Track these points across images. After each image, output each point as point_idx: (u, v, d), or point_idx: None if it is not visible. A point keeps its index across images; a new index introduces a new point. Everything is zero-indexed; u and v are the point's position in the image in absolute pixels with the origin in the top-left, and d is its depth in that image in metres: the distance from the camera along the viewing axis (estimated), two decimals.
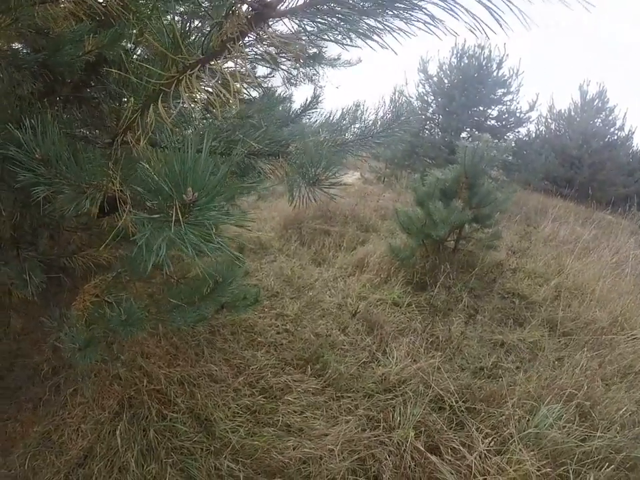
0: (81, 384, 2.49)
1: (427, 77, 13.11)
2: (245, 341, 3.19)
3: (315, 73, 4.48)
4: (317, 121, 1.46)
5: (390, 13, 0.64)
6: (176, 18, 1.51)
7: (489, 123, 12.68)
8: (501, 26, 0.60)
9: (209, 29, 0.69)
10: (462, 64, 12.52)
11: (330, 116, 1.46)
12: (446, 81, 12.78)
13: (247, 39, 0.67)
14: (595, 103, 15.30)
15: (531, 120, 12.84)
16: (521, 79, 12.40)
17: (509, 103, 12.58)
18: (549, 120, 16.83)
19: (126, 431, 2.27)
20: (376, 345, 3.37)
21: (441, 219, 4.36)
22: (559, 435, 2.46)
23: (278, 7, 0.63)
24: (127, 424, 2.30)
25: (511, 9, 0.57)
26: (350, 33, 0.67)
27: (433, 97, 13.21)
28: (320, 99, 2.62)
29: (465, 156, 4.51)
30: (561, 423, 2.54)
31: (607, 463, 2.30)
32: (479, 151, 4.48)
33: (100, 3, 1.34)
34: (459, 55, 12.62)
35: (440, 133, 12.81)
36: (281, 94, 2.38)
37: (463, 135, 12.59)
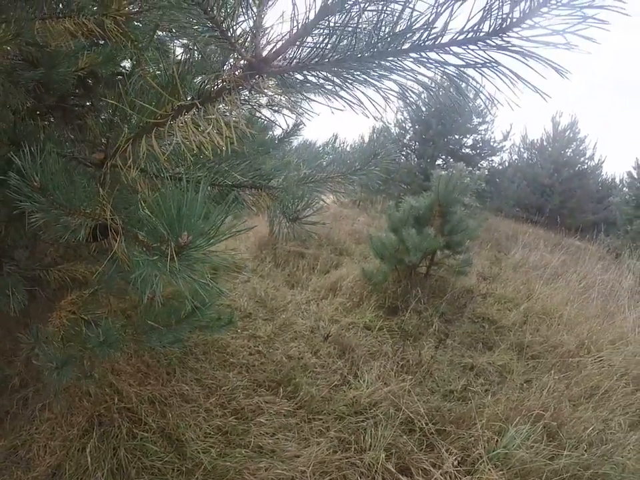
0: (51, 399, 2.44)
1: (406, 104, 13.40)
2: (217, 362, 3.18)
3: (297, 100, 4.57)
4: (297, 151, 1.53)
5: (374, 74, 0.71)
6: (179, 50, 1.57)
7: (463, 151, 13.05)
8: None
9: (207, 75, 0.75)
10: (440, 92, 12.87)
11: (310, 146, 1.53)
12: (424, 108, 13.14)
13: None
14: (567, 134, 15.96)
15: (504, 149, 13.29)
16: (496, 110, 12.86)
17: (483, 132, 13.01)
18: (522, 149, 17.46)
19: (96, 449, 2.23)
20: (347, 367, 3.40)
21: (414, 245, 4.45)
22: (527, 454, 2.53)
23: (273, 62, 0.70)
24: (97, 442, 2.26)
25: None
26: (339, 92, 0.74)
27: (410, 124, 13.53)
28: (301, 126, 2.70)
29: (439, 184, 4.64)
30: (529, 442, 2.62)
31: None
32: (453, 180, 4.61)
33: (100, 27, 1.38)
34: (437, 85, 12.99)
35: (416, 160, 13.11)
36: (264, 122, 2.45)
37: (438, 162, 12.91)
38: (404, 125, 13.63)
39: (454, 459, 2.52)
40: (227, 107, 0.73)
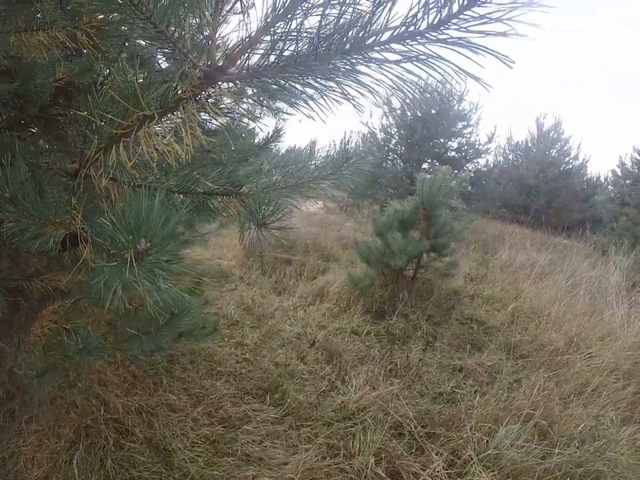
0: (37, 411, 2.42)
1: (391, 109, 13.54)
2: (204, 370, 3.17)
3: (278, 107, 4.60)
4: (275, 157, 1.55)
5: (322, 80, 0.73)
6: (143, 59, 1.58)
7: (449, 154, 13.17)
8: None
9: (166, 85, 0.77)
10: (424, 97, 13.02)
11: (291, 152, 1.55)
12: (409, 113, 13.25)
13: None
14: (551, 135, 16.18)
15: (489, 151, 13.41)
16: (480, 113, 13.02)
17: (468, 135, 13.14)
18: (507, 151, 17.66)
19: (82, 461, 2.22)
20: (335, 373, 3.40)
21: (399, 249, 4.48)
22: (518, 454, 2.54)
23: (229, 70, 0.72)
24: (84, 453, 2.26)
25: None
26: (291, 99, 0.76)
27: (396, 129, 13.64)
28: (282, 132, 2.71)
29: (423, 188, 4.68)
30: (519, 442, 2.63)
31: (568, 478, 2.40)
32: (437, 183, 4.65)
33: (71, 40, 1.39)
34: (421, 90, 13.14)
35: (402, 164, 13.20)
36: (242, 128, 2.47)
37: (424, 165, 13.01)
38: (389, 129, 13.73)
39: (444, 461, 2.53)
40: (185, 116, 0.75)
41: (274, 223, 1.13)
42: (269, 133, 2.57)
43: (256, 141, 2.63)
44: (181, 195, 1.20)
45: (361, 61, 0.68)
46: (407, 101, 0.71)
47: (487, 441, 2.68)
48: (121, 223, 0.68)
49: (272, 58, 0.68)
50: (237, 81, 0.73)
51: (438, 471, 2.44)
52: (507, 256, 7.79)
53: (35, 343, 1.69)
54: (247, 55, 0.69)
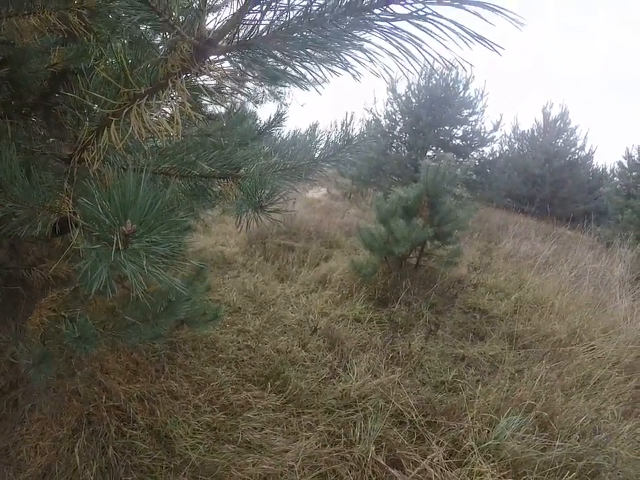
0: (39, 399, 2.43)
1: (396, 96, 13.44)
2: (206, 357, 3.17)
3: (280, 91, 4.58)
4: (275, 141, 1.52)
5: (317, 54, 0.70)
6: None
7: (454, 142, 13.07)
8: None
9: (154, 61, 0.74)
10: (430, 84, 12.92)
11: (291, 135, 1.52)
12: (414, 100, 13.14)
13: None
14: (558, 124, 16.03)
15: (495, 140, 13.29)
16: (486, 100, 12.90)
17: (473, 123, 13.03)
18: (513, 140, 17.52)
19: (84, 448, 2.23)
20: (337, 360, 3.39)
21: (403, 236, 4.45)
22: (518, 445, 2.53)
23: (219, 43, 0.68)
24: (86, 441, 2.26)
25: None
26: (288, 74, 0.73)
27: (400, 116, 13.55)
28: (284, 116, 2.67)
29: (427, 175, 4.64)
30: (520, 433, 2.61)
31: (568, 471, 2.38)
32: (441, 170, 4.61)
33: (63, 22, 1.36)
34: (427, 75, 13.03)
35: (406, 151, 13.12)
36: (244, 112, 2.43)
37: (429, 153, 12.92)
38: (394, 116, 13.63)
39: (444, 451, 2.52)
40: (175, 94, 0.72)
41: (271, 206, 1.10)
42: (270, 117, 2.53)
43: (259, 125, 2.58)
44: (178, 179, 1.17)
45: (358, 27, 0.64)
46: (411, 70, 0.66)
47: (488, 432, 2.66)
48: (106, 204, 0.66)
49: (262, 28, 0.65)
50: (229, 54, 0.70)
51: (438, 461, 2.42)
52: (511, 245, 7.75)
53: (33, 332, 1.68)
54: (237, 26, 0.66)
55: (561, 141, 15.99)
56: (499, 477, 2.33)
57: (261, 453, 2.39)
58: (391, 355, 3.57)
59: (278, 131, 2.58)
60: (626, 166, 13.36)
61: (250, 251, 5.81)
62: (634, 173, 12.93)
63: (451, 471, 2.38)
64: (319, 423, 2.68)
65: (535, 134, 16.74)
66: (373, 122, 13.71)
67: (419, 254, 5.20)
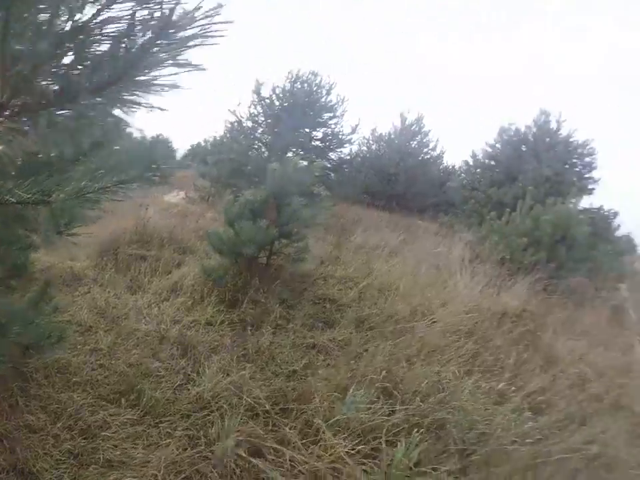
0: None
1: (260, 98, 13.61)
2: (60, 384, 2.97)
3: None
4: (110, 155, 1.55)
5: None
6: None
7: (313, 143, 13.66)
8: None
9: None
10: (295, 88, 13.40)
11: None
12: (277, 103, 13.45)
13: None
14: (413, 128, 17.78)
15: (352, 141, 14.14)
16: (346, 105, 13.79)
17: (333, 125, 13.78)
18: (371, 141, 18.86)
19: None
20: (190, 366, 3.40)
21: (248, 237, 4.60)
22: (365, 415, 2.80)
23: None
24: None
25: None
26: None
27: (263, 118, 13.76)
28: (123, 127, 2.62)
29: (273, 179, 4.88)
30: (365, 405, 2.88)
31: (416, 429, 2.65)
32: (286, 174, 4.87)
33: None
34: (293, 79, 13.53)
35: (267, 153, 13.37)
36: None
37: (289, 154, 13.32)
38: (257, 118, 13.80)
39: (298, 432, 2.72)
40: None
41: (68, 232, 1.17)
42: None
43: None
44: None
45: None
46: None
47: (334, 408, 2.89)
48: None
49: None
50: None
51: (295, 442, 2.61)
52: (362, 238, 8.25)
53: None
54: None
55: (415, 142, 17.67)
56: (352, 446, 2.56)
57: (123, 468, 2.35)
58: (242, 353, 3.69)
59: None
60: (471, 163, 15.46)
61: (101, 264, 5.45)
62: (478, 170, 15.07)
63: (307, 449, 2.58)
64: (177, 428, 2.69)
65: (392, 136, 18.22)
66: (236, 124, 13.71)
67: (269, 253, 5.34)
